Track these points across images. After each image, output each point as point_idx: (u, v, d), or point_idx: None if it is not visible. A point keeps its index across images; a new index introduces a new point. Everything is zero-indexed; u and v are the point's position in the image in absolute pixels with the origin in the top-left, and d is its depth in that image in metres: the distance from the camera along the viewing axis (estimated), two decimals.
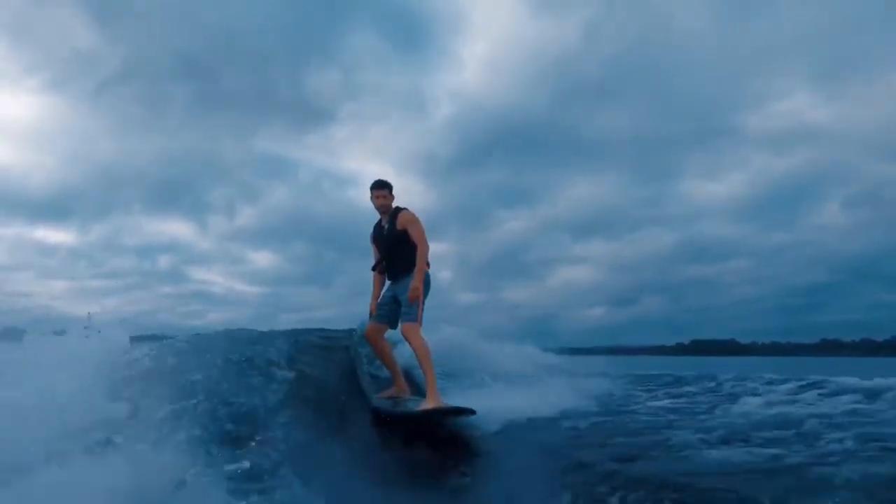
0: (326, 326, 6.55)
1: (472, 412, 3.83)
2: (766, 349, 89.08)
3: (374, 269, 4.50)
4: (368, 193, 4.40)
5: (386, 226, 4.37)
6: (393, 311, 4.31)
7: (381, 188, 4.33)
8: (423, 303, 4.15)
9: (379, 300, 4.45)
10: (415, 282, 4.06)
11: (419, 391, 4.45)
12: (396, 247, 4.28)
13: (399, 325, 4.20)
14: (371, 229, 4.55)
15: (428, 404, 3.82)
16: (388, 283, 4.47)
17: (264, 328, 6.18)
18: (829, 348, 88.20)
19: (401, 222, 4.27)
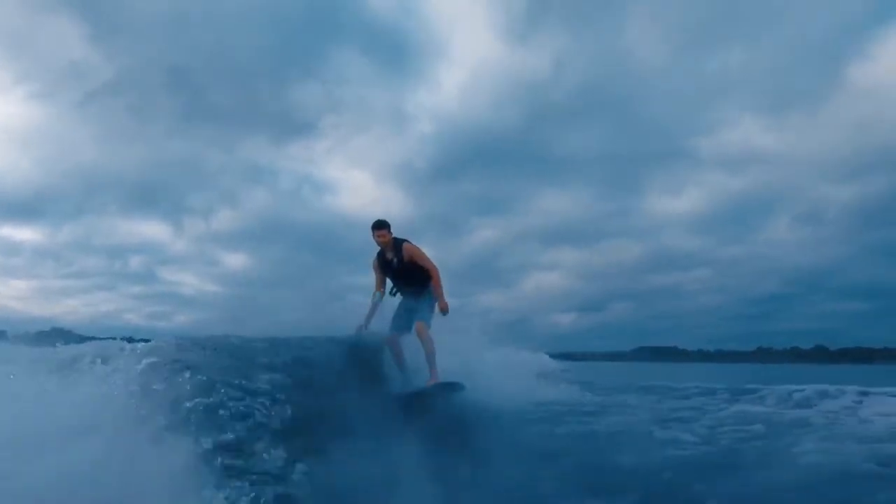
0: (300, 330, 5.59)
1: (463, 387, 4.90)
2: (724, 356, 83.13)
3: (391, 293, 5.24)
4: (370, 232, 5.01)
5: (394, 259, 5.01)
6: (408, 319, 4.98)
7: (381, 228, 4.95)
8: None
9: (395, 311, 5.15)
10: (442, 302, 4.86)
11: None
12: (410, 276, 5.02)
13: (413, 325, 4.88)
14: (375, 257, 5.20)
15: (430, 382, 4.74)
16: (400, 297, 5.23)
17: (237, 331, 5.24)
18: (764, 355, 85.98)
19: (407, 255, 4.95)
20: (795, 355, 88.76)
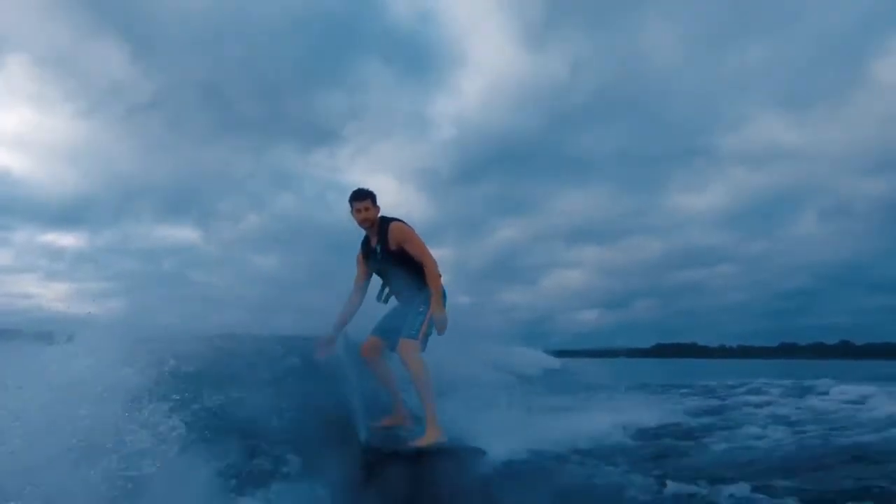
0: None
1: (483, 453, 3.30)
2: (751, 352, 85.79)
3: (378, 298, 3.75)
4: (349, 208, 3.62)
5: (377, 246, 3.59)
6: (397, 327, 3.52)
7: (363, 199, 3.53)
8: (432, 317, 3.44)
9: (387, 312, 3.72)
10: (439, 312, 3.39)
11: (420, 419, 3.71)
12: (397, 269, 3.58)
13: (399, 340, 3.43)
14: (360, 245, 3.75)
15: (425, 440, 3.17)
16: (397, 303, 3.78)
17: (262, 332, 5.07)
18: (788, 351, 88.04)
19: (393, 240, 3.51)
20: (819, 351, 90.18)
